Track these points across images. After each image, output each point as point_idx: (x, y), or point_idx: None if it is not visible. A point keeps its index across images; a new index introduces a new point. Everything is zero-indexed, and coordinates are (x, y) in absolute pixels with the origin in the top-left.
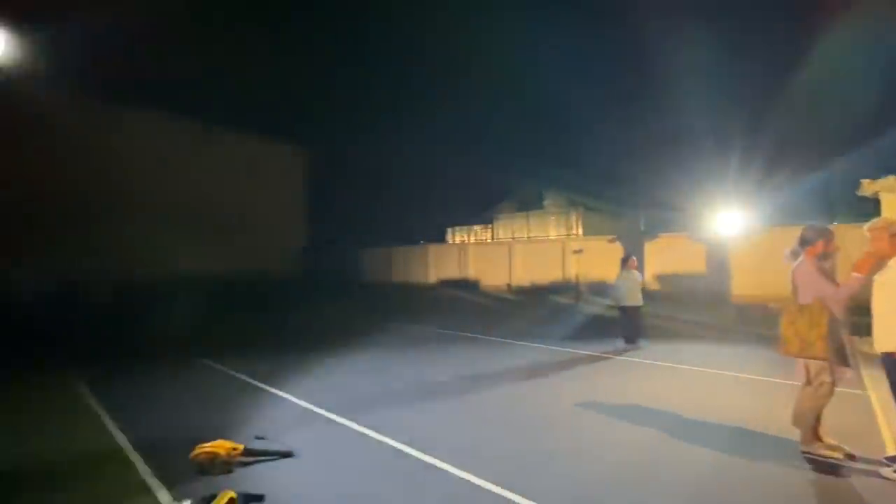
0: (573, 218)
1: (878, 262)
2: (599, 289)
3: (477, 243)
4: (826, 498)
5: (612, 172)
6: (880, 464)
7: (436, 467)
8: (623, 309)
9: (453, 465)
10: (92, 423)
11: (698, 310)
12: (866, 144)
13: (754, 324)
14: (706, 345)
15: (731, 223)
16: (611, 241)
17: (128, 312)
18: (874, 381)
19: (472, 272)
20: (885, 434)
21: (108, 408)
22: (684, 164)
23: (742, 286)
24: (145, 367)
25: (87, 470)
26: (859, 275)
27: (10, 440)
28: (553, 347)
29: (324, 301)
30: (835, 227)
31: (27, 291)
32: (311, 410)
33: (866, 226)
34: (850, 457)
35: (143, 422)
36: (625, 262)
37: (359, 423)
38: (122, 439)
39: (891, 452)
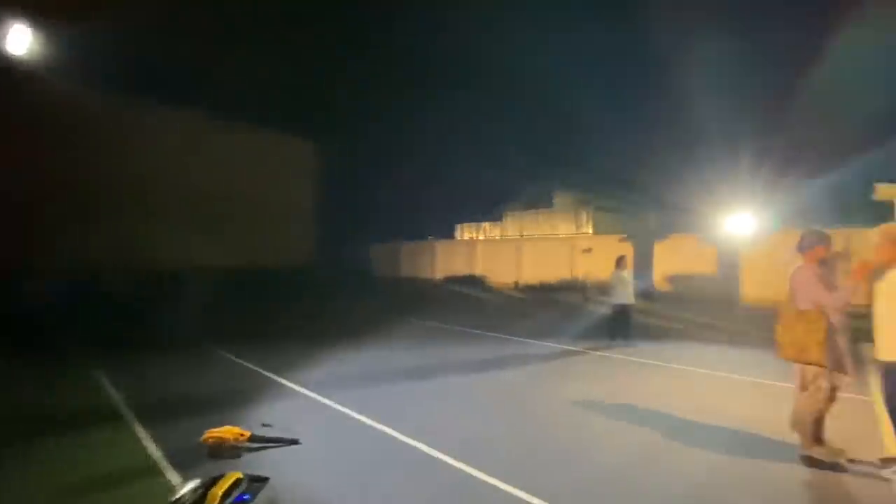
0: (583, 216)
1: (876, 270)
2: (607, 288)
3: (486, 240)
4: (823, 499)
5: (623, 172)
6: (877, 465)
7: (437, 459)
8: (614, 307)
9: (454, 456)
10: (98, 394)
11: (706, 311)
12: (884, 146)
13: (761, 327)
14: (710, 346)
15: (742, 224)
16: (621, 240)
17: (145, 303)
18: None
19: (480, 269)
20: (887, 438)
21: (120, 391)
22: (697, 164)
23: (752, 288)
24: (159, 355)
25: (98, 446)
26: (853, 282)
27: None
28: (555, 345)
29: (332, 294)
30: (837, 230)
31: (47, 283)
32: (317, 400)
33: (874, 230)
34: (851, 460)
35: (156, 406)
36: (618, 262)
37: (362, 414)
38: (133, 421)
39: (889, 455)
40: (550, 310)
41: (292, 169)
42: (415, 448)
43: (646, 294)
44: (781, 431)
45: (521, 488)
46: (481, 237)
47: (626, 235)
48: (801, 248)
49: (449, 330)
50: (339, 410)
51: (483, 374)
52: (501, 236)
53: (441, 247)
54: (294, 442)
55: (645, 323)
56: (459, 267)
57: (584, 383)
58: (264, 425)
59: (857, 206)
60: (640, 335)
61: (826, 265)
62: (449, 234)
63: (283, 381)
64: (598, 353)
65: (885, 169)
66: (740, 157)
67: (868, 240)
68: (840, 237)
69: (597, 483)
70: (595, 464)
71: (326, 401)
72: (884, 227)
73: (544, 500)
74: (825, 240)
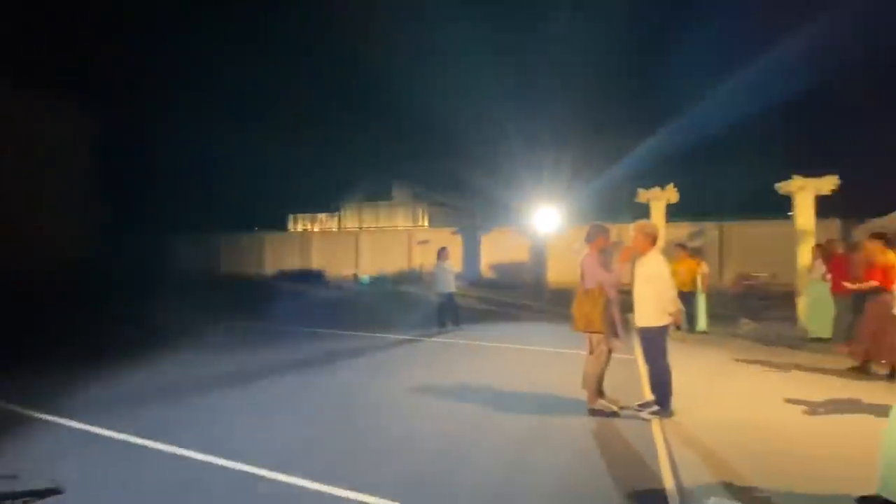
0: (419, 210)
1: (635, 257)
2: (431, 279)
3: (322, 232)
4: (601, 440)
5: (453, 169)
6: (637, 409)
7: (254, 475)
8: (440, 295)
9: (275, 469)
10: None
11: (521, 294)
12: (647, 156)
13: (563, 306)
14: (524, 324)
15: (547, 220)
16: (453, 233)
17: None
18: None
19: (315, 262)
20: (645, 388)
21: None
22: (514, 166)
23: (556, 274)
24: None
25: None
26: (620, 264)
27: None
28: (389, 336)
29: (125, 295)
30: (613, 225)
31: None
32: (89, 432)
33: (631, 226)
34: (622, 408)
35: None
36: (440, 254)
37: (156, 440)
38: None
39: (645, 400)
40: (387, 301)
41: (66, 143)
42: (225, 469)
43: (473, 281)
44: (575, 390)
45: (346, 487)
46: (317, 229)
47: (457, 228)
48: (588, 238)
49: (276, 330)
50: (122, 441)
51: (313, 375)
52: (339, 228)
53: (271, 239)
54: (54, 492)
55: (472, 307)
56: (293, 260)
57: (417, 370)
58: (6, 478)
59: (626, 206)
60: (468, 319)
61: (605, 253)
62: (280, 226)
63: (37, 414)
64: (431, 339)
65: (646, 175)
66: (546, 161)
67: (630, 233)
68: (615, 230)
69: (425, 464)
70: (424, 447)
71: (104, 431)
72: (638, 223)
73: (368, 493)
74: (605, 232)
